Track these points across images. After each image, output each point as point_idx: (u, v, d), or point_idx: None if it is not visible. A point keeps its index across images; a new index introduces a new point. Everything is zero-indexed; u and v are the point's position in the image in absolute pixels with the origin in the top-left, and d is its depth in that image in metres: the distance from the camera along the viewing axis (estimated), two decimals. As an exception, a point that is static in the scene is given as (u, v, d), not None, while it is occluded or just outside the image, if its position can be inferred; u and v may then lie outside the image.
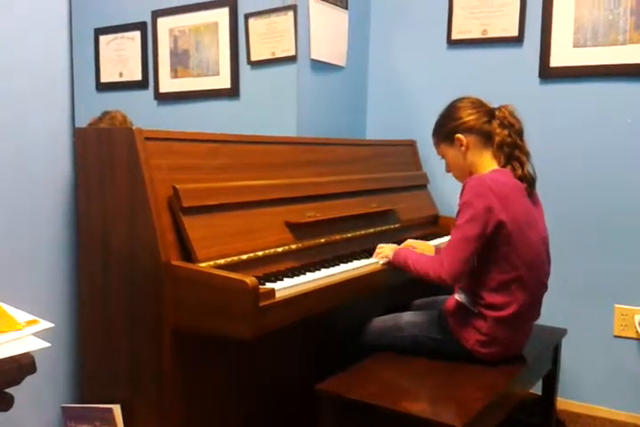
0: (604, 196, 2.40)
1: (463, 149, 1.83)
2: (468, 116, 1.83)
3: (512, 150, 1.79)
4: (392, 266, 1.91)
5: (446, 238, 2.34)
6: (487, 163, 1.82)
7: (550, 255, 1.84)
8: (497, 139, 1.79)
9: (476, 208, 1.67)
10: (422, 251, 1.98)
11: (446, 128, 1.87)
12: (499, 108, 1.84)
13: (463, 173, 1.86)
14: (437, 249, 2.08)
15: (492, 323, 1.72)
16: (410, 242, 2.09)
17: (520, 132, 1.82)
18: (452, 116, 1.87)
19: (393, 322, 1.90)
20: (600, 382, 2.45)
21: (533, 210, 1.78)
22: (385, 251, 1.96)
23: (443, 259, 1.71)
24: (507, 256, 1.69)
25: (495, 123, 1.81)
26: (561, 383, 2.30)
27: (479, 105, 1.86)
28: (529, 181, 1.78)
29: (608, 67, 2.36)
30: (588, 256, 2.43)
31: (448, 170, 1.94)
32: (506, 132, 1.79)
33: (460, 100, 1.89)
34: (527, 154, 1.81)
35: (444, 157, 1.92)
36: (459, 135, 1.83)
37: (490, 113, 1.84)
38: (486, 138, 1.82)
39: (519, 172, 1.77)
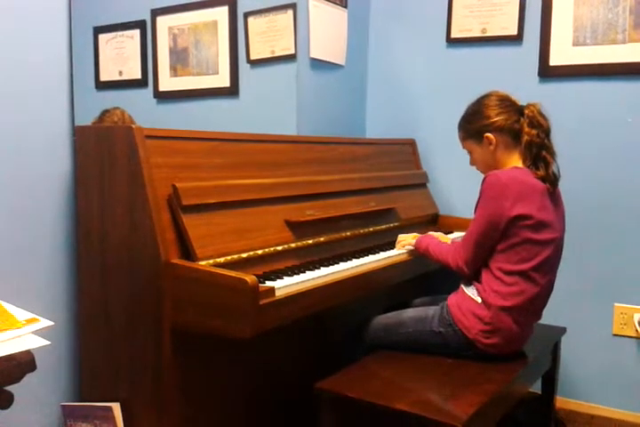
0: (604, 195, 2.40)
1: (492, 147, 1.85)
2: (498, 116, 1.83)
3: (539, 150, 1.79)
4: (415, 252, 2.05)
5: (453, 235, 2.42)
6: (514, 161, 1.83)
7: (561, 258, 1.85)
8: (525, 138, 1.80)
9: (490, 208, 1.73)
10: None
11: (474, 126, 1.87)
12: (527, 107, 1.84)
13: (489, 169, 1.86)
14: (453, 241, 2.11)
15: (496, 312, 1.73)
16: (431, 233, 2.16)
17: (548, 132, 1.82)
18: (480, 115, 1.86)
19: (397, 319, 1.91)
20: (599, 381, 2.45)
21: (551, 210, 1.77)
22: (407, 239, 2.10)
23: (460, 249, 1.81)
24: (515, 249, 1.72)
25: (524, 122, 1.81)
26: (560, 382, 2.30)
27: (508, 103, 1.86)
28: (551, 182, 1.78)
29: (608, 65, 2.35)
30: (588, 255, 2.43)
31: (473, 164, 1.96)
32: (534, 131, 1.79)
33: (488, 96, 1.88)
34: (553, 154, 1.81)
35: (469, 152, 1.94)
36: (488, 135, 1.84)
37: (518, 111, 1.84)
38: (515, 137, 1.83)
39: (542, 172, 1.77)
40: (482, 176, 1.83)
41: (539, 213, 1.72)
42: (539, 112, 1.82)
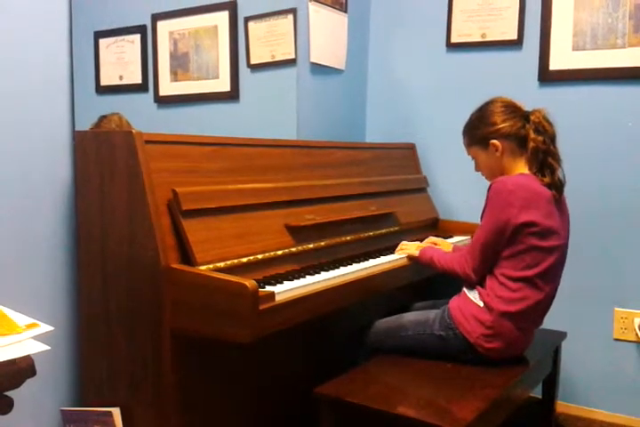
0: (604, 199, 2.40)
1: (498, 154, 1.83)
2: (504, 123, 1.82)
3: (545, 157, 1.78)
4: (417, 262, 2.02)
5: (453, 239, 2.42)
6: (520, 168, 1.82)
7: (565, 264, 1.85)
8: (531, 144, 1.79)
9: (496, 215, 1.72)
10: (442, 247, 2.10)
11: (480, 133, 1.86)
12: (532, 113, 1.83)
13: (494, 175, 1.86)
14: (455, 247, 2.13)
15: (497, 317, 1.73)
16: (432, 239, 2.18)
17: (553, 138, 1.82)
18: (486, 121, 1.85)
19: (397, 322, 1.91)
20: (599, 386, 2.45)
21: (557, 217, 1.77)
22: (409, 249, 2.07)
23: (466, 256, 1.80)
24: (520, 255, 1.72)
25: (530, 128, 1.80)
26: (560, 386, 2.30)
27: (513, 109, 1.85)
28: (557, 188, 1.77)
29: (607, 70, 2.36)
30: (589, 259, 2.43)
31: (478, 170, 1.95)
32: (540, 138, 1.79)
33: (493, 102, 1.87)
34: (559, 160, 1.81)
35: (474, 158, 1.93)
36: (494, 141, 1.83)
37: (524, 117, 1.83)
38: (521, 143, 1.82)
39: (548, 179, 1.76)
40: (483, 181, 1.82)
41: (545, 220, 1.71)
42: (544, 118, 1.81)
